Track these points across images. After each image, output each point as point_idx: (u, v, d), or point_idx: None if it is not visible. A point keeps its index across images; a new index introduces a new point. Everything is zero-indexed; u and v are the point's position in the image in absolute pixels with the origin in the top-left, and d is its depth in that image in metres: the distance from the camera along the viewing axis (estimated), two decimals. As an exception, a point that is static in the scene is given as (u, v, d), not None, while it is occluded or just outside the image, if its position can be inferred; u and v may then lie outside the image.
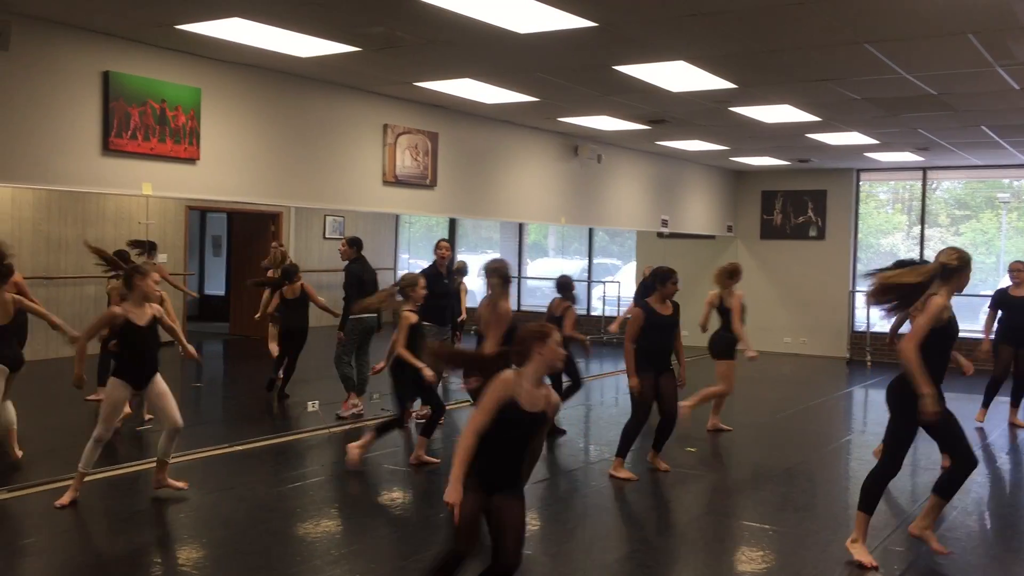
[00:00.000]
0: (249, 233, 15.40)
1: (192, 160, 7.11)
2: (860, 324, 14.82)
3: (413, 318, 6.78)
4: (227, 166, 7.44)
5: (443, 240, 9.04)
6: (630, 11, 5.69)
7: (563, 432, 8.27)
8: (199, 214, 17.02)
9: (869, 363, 13.85)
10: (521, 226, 17.71)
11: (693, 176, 14.35)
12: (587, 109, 9.38)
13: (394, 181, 8.87)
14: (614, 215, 12.66)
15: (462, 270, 10.19)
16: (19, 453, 6.84)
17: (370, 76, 7.92)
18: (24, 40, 6.06)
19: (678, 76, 7.48)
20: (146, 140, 6.73)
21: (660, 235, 15.44)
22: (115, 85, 6.53)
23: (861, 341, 14.38)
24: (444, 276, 8.72)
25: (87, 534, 5.36)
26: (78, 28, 6.38)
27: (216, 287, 17.60)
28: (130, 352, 5.73)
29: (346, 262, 8.95)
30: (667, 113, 9.48)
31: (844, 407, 10.48)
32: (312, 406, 8.53)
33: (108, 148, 6.52)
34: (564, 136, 11.25)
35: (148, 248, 9.03)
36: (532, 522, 5.80)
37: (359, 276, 8.80)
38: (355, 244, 8.95)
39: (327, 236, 16.34)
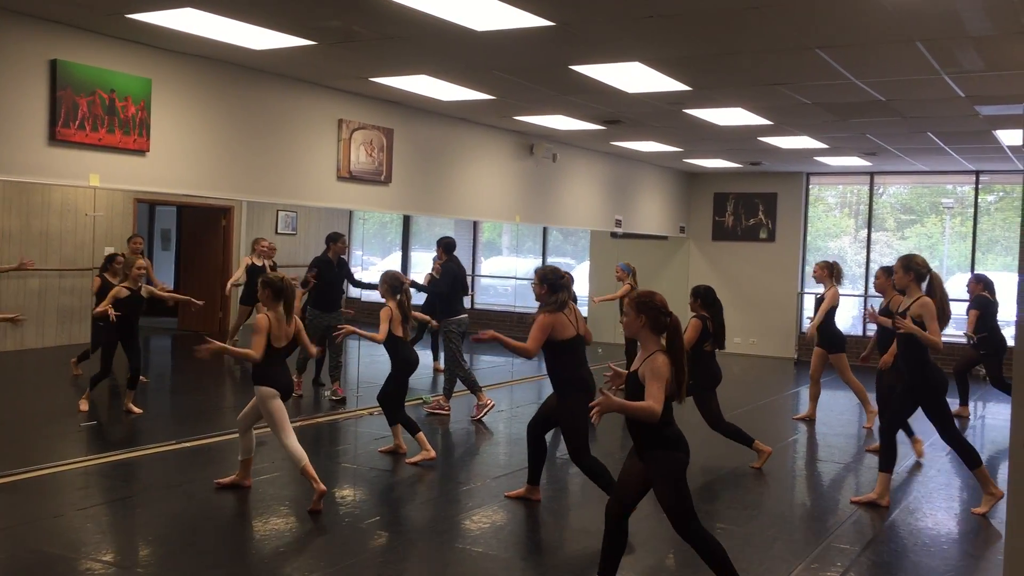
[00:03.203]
0: (199, 227, 15.17)
1: (142, 152, 6.99)
2: (807, 325, 15.02)
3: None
4: (178, 159, 7.32)
5: (342, 235, 9.78)
6: (587, 11, 5.71)
7: None
8: (148, 207, 16.72)
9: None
10: (476, 224, 17.69)
11: (647, 177, 14.46)
12: (543, 108, 9.40)
13: (348, 177, 8.82)
14: (568, 214, 12.71)
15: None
16: None
17: (325, 70, 7.86)
18: (-32, 26, 5.92)
19: (633, 77, 7.53)
20: (94, 131, 6.60)
21: (614, 235, 15.53)
22: (63, 74, 6.40)
23: (809, 342, 14.58)
24: (335, 266, 9.45)
25: (29, 531, 5.24)
26: (25, 15, 6.23)
27: (165, 282, 17.29)
28: None
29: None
30: (622, 114, 9.54)
31: (791, 407, 10.64)
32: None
33: (55, 138, 6.38)
34: (520, 135, 11.26)
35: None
36: (483, 520, 5.80)
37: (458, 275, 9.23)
38: (448, 248, 9.28)
39: (279, 231, 16.17)
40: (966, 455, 6.29)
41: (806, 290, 15.20)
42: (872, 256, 14.71)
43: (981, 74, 7.03)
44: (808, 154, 12.39)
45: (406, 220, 18.06)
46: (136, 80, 6.89)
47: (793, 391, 11.87)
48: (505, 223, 16.63)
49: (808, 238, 15.41)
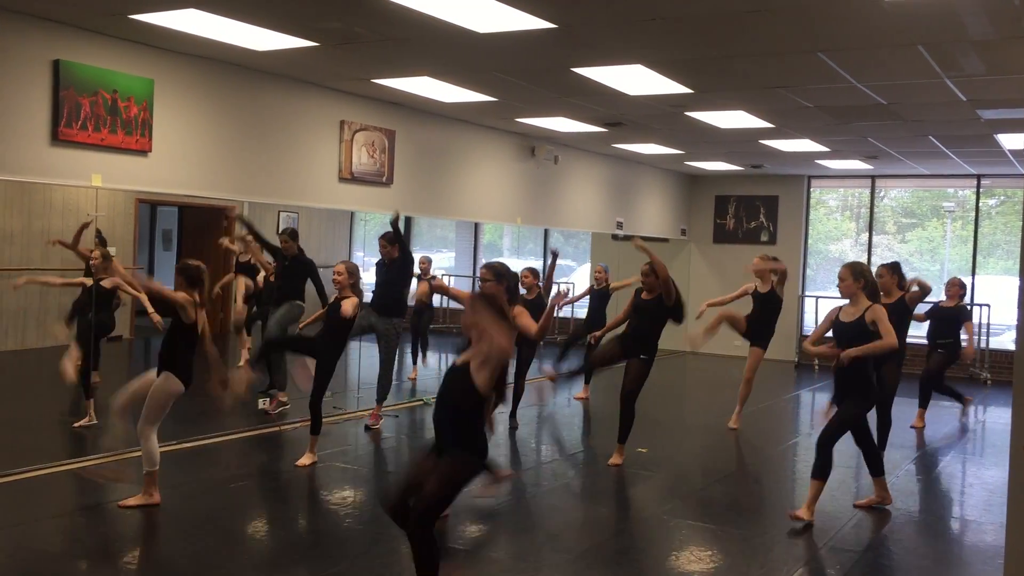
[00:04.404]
0: (201, 228, 15.18)
1: (144, 152, 6.99)
2: (809, 329, 15.05)
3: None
4: (180, 159, 7.33)
5: (285, 234, 9.24)
6: (589, 14, 5.72)
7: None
8: (149, 207, 16.74)
9: (816, 367, 14.07)
10: (477, 226, 17.71)
11: (648, 179, 14.47)
12: (544, 110, 9.41)
13: (350, 178, 8.82)
14: (570, 216, 12.72)
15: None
16: None
17: (327, 72, 7.87)
18: (-29, 25, 5.92)
19: (635, 80, 7.53)
20: (96, 131, 6.61)
21: (615, 237, 15.52)
22: (66, 74, 6.40)
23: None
24: (285, 261, 9.10)
25: (23, 534, 5.24)
26: (28, 15, 6.24)
27: (166, 282, 17.24)
28: None
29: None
30: (624, 116, 9.55)
31: (791, 410, 10.64)
32: (262, 403, 8.44)
33: (57, 138, 6.39)
34: (521, 136, 11.27)
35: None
36: (477, 521, 5.81)
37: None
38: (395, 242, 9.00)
39: (280, 232, 16.16)
40: (870, 460, 6.40)
41: (807, 293, 15.20)
42: (873, 259, 14.68)
43: (983, 78, 7.03)
44: (809, 157, 12.39)
45: (408, 221, 18.07)
46: (138, 80, 6.90)
47: (793, 394, 11.87)
48: (506, 225, 16.63)
49: (809, 241, 15.41)
